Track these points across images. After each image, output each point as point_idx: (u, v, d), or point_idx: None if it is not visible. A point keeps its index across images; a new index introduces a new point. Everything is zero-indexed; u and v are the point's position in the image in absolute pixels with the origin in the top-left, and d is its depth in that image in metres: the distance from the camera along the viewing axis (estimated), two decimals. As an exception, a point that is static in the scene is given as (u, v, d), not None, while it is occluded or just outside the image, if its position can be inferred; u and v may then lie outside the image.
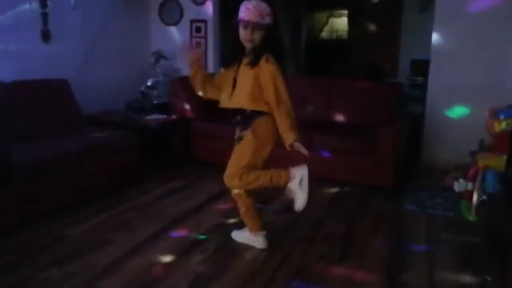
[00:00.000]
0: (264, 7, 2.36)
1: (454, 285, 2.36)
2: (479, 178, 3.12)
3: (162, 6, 5.34)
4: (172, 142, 4.35)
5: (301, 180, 2.44)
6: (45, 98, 3.70)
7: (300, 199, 2.44)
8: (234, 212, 3.00)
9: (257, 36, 2.37)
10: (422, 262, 2.60)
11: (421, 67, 5.10)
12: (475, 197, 3.13)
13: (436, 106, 4.41)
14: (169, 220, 3.09)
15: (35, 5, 3.89)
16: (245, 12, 2.34)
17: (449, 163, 4.10)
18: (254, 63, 2.40)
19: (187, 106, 4.51)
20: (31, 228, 2.88)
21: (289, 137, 2.39)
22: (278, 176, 2.45)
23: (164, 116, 4.44)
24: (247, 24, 2.33)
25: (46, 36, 4.02)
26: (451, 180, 3.58)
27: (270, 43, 2.41)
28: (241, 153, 2.48)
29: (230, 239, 2.81)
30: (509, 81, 4.00)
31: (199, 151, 4.40)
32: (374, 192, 3.71)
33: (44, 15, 3.96)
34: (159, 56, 5.02)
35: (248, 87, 2.43)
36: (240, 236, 2.77)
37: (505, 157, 2.90)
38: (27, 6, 3.85)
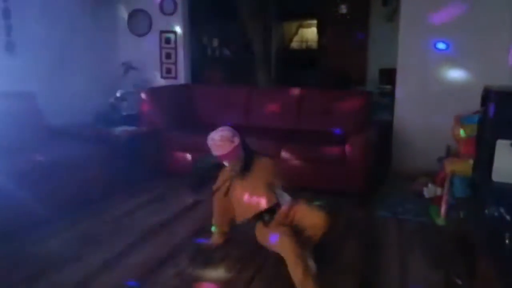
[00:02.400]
0: (227, 133, 2.55)
1: (425, 287, 2.39)
2: (447, 183, 3.20)
3: (130, 17, 5.29)
4: (143, 154, 4.28)
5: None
6: (8, 111, 3.57)
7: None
8: (207, 223, 2.97)
9: (239, 156, 2.57)
10: (394, 266, 2.63)
11: (390, 75, 5.22)
12: (444, 202, 3.21)
13: (403, 114, 4.52)
14: (140, 235, 3.02)
15: (-2, 16, 3.79)
16: (217, 149, 2.53)
17: (418, 169, 4.19)
18: (247, 169, 2.60)
19: (157, 117, 4.45)
20: (-3, 246, 2.77)
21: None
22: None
23: (134, 128, 4.37)
24: (227, 157, 2.55)
25: (10, 47, 3.90)
26: (420, 186, 3.66)
27: (248, 150, 2.63)
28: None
29: (203, 251, 2.77)
30: (474, 88, 4.14)
31: (171, 162, 4.34)
32: (345, 199, 3.75)
33: (8, 27, 3.85)
34: (128, 67, 4.95)
35: (261, 189, 2.56)
36: None
37: (471, 161, 2.98)
38: (-11, 17, 3.74)
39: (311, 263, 2.39)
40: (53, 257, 2.69)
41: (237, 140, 2.53)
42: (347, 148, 3.70)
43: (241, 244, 2.74)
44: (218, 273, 2.54)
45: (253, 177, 2.58)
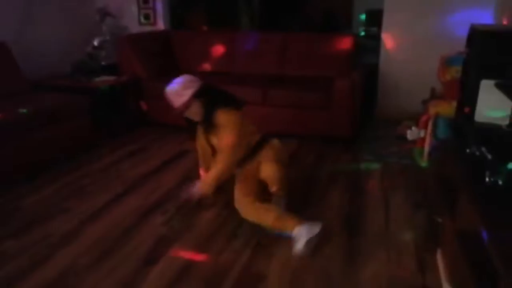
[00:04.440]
0: (177, 88, 2.39)
1: (408, 226, 2.48)
2: (430, 125, 3.23)
3: (104, -42, 4.99)
4: (124, 104, 4.20)
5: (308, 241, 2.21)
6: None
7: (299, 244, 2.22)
8: (194, 172, 2.99)
9: (194, 110, 2.43)
10: (378, 207, 2.71)
11: (377, 17, 5.10)
12: (427, 144, 3.25)
13: (389, 56, 4.46)
14: (127, 185, 3.03)
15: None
16: (170, 102, 2.43)
17: (404, 112, 4.22)
18: (209, 128, 2.48)
19: (137, 66, 4.33)
20: (-20, 201, 2.76)
21: (206, 183, 2.45)
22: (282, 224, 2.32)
23: (114, 78, 4.26)
24: (178, 111, 2.43)
25: (-24, -6, 3.69)
26: (404, 129, 3.70)
27: (210, 102, 2.42)
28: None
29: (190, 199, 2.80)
30: (459, 28, 4.08)
31: (153, 112, 4.28)
32: (331, 143, 3.78)
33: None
34: (104, 13, 4.73)
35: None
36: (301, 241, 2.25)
37: (455, 103, 2.99)
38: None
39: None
40: (40, 210, 2.69)
41: (188, 94, 2.36)
42: (333, 92, 3.67)
43: (228, 191, 2.76)
44: (206, 219, 2.58)
45: (216, 133, 2.47)
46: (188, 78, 2.45)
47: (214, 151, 2.63)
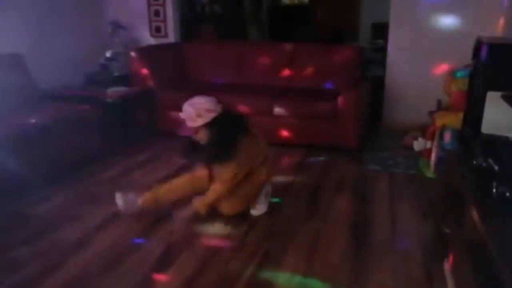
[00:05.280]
0: (192, 112, 2.42)
1: (415, 237, 2.49)
2: (437, 136, 3.25)
3: (116, -27, 5.11)
4: (136, 115, 4.27)
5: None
6: (-2, 74, 3.52)
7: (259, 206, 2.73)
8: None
9: (201, 136, 2.50)
10: (385, 217, 2.72)
11: (382, 30, 5.15)
12: (433, 155, 3.27)
13: (395, 68, 4.50)
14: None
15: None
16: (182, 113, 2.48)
17: (409, 123, 4.24)
18: (207, 162, 2.64)
19: (149, 77, 4.41)
20: (-6, 208, 2.81)
21: (201, 204, 2.63)
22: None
23: (126, 88, 4.33)
24: (190, 132, 2.51)
25: (-7, 8, 3.79)
26: (410, 140, 3.72)
27: (216, 140, 2.47)
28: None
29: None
30: (466, 41, 4.12)
31: (164, 122, 4.34)
32: (338, 154, 3.81)
33: (-11, -14, 3.73)
34: (116, 26, 4.83)
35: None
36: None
37: (461, 115, 3.01)
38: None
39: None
40: (52, 217, 2.73)
41: (199, 122, 2.42)
42: (340, 104, 3.71)
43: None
44: (215, 228, 2.61)
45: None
46: (206, 105, 2.45)
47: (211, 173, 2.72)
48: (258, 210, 2.73)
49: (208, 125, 2.45)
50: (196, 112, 2.43)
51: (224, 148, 2.47)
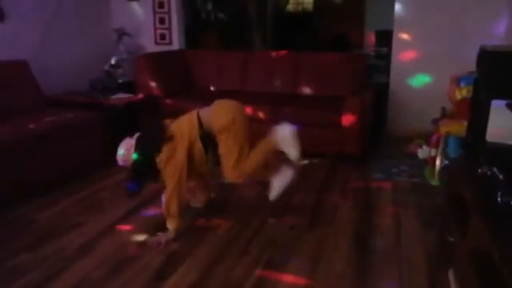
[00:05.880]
0: (119, 157, 2.53)
1: (419, 245, 2.47)
2: (441, 144, 3.23)
3: (122, -20, 5.16)
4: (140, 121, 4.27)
5: (287, 138, 2.53)
6: (2, 80, 3.54)
7: (292, 153, 2.53)
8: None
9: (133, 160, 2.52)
10: (389, 225, 2.71)
11: (386, 37, 5.16)
12: (437, 163, 3.25)
13: (399, 76, 4.50)
14: (141, 199, 3.07)
15: (-15, -18, 3.70)
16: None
17: (413, 131, 4.23)
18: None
19: (153, 84, 4.43)
20: (-3, 214, 2.82)
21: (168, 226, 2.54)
22: (264, 151, 2.52)
23: (130, 95, 4.35)
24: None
25: (0, 15, 3.82)
26: (415, 147, 3.70)
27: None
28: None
29: (202, 214, 2.83)
30: (470, 49, 4.11)
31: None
32: (342, 161, 3.80)
33: (-4, -6, 3.77)
34: (122, 33, 4.87)
35: None
36: (278, 187, 2.64)
37: (465, 123, 3.00)
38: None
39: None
40: (55, 224, 2.74)
41: (122, 160, 2.53)
42: (343, 111, 3.71)
43: (238, 207, 2.79)
44: (217, 235, 2.61)
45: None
46: (125, 146, 2.54)
47: None
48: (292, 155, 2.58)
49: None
50: (122, 153, 2.53)
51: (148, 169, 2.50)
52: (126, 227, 2.70)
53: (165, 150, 2.45)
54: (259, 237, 2.57)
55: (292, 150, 2.52)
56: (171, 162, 2.44)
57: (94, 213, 2.89)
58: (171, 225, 2.51)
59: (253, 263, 2.29)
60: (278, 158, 2.60)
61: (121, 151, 2.53)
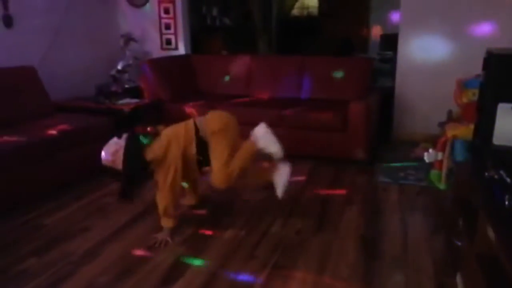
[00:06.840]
0: (104, 157, 2.54)
1: (426, 249, 2.46)
2: (448, 147, 3.22)
3: (128, -13, 5.20)
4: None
5: (263, 136, 2.66)
6: (10, 86, 3.58)
7: (274, 149, 2.66)
8: (211, 192, 3.03)
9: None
10: (396, 230, 2.70)
11: (391, 41, 5.16)
12: (444, 166, 3.24)
13: (405, 80, 4.49)
14: (147, 204, 3.07)
15: (-6, -10, 3.74)
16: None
17: (419, 134, 4.21)
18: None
19: (159, 89, 4.45)
20: (5, 219, 2.84)
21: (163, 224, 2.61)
22: (246, 151, 2.61)
23: (137, 100, 4.38)
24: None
25: (8, 21, 3.87)
26: (421, 151, 3.69)
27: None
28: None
29: (209, 219, 2.83)
30: (476, 52, 4.10)
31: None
32: (348, 165, 3.79)
33: (5, 0, 3.81)
34: (128, 39, 4.91)
35: None
36: (281, 184, 2.75)
37: (472, 126, 2.99)
38: (-15, -10, 3.69)
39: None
40: (62, 228, 2.76)
41: (108, 158, 2.52)
42: (349, 115, 3.71)
43: (244, 212, 2.79)
44: (224, 240, 2.61)
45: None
46: (106, 146, 2.56)
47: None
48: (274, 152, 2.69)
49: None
50: (105, 156, 2.54)
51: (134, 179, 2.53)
52: (133, 232, 2.71)
53: (156, 148, 2.50)
54: (266, 241, 2.57)
55: (272, 146, 2.66)
56: (165, 161, 2.49)
57: (101, 217, 2.91)
58: (167, 224, 2.58)
59: (260, 268, 2.29)
60: (268, 160, 2.76)
61: (109, 151, 2.53)
